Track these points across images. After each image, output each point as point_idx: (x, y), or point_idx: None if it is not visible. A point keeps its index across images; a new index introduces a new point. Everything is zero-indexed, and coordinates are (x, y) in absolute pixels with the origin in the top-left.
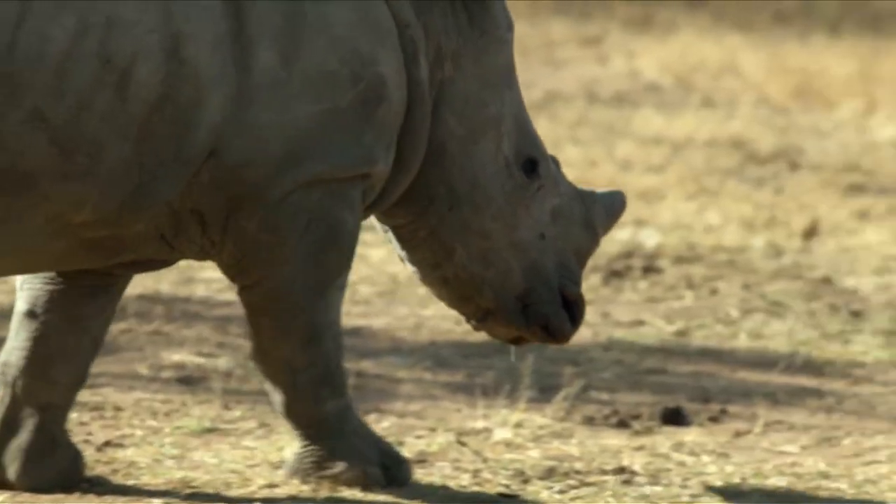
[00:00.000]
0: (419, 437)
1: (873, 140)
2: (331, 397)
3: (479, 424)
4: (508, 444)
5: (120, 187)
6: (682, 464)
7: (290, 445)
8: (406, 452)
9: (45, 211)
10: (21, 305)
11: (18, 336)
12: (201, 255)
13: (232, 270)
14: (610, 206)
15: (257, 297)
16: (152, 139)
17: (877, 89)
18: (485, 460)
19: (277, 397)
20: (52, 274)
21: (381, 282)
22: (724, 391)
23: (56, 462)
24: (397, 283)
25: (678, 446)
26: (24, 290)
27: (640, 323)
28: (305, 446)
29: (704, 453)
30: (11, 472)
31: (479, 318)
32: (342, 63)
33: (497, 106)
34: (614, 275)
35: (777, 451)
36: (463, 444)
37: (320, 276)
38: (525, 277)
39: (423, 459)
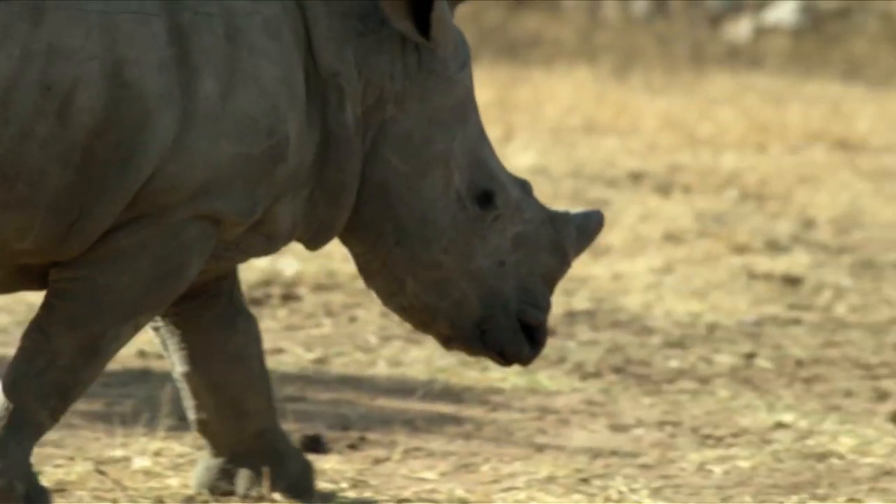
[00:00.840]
0: (58, 465)
1: (512, 167)
2: (51, 411)
3: (119, 453)
4: (147, 473)
5: (64, 215)
6: (321, 491)
7: None
8: (45, 482)
9: None
10: (176, 368)
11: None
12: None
13: (71, 264)
14: (585, 227)
15: (78, 289)
16: (96, 165)
17: (514, 117)
18: (124, 489)
19: (13, 374)
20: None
21: (20, 311)
22: (364, 418)
23: (288, 473)
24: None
25: (317, 474)
26: (171, 353)
27: (280, 350)
28: None
29: (344, 480)
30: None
31: (442, 341)
32: (264, 114)
33: (446, 143)
34: (254, 302)
35: (416, 477)
36: (102, 472)
37: (137, 304)
38: (482, 304)
39: (62, 489)
